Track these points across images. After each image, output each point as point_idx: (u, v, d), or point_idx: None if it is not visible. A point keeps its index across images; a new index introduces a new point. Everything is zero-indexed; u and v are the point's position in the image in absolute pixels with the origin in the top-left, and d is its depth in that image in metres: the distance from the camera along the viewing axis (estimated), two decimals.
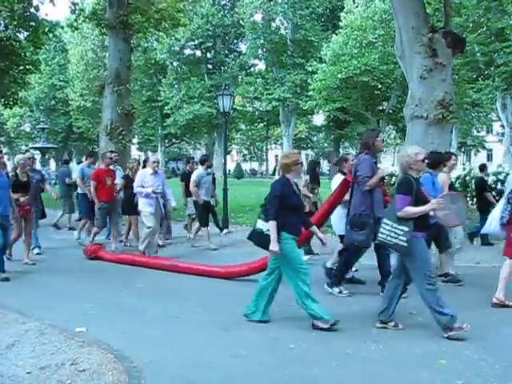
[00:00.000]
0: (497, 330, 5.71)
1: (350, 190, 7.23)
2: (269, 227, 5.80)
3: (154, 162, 10.21)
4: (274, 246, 5.73)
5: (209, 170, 11.94)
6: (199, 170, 11.63)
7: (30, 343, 5.29)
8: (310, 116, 53.60)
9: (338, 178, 8.06)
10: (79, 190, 12.09)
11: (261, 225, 6.03)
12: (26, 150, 55.29)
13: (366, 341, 5.35)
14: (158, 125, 53.07)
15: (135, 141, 55.01)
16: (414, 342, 5.31)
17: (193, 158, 14.30)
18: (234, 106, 41.40)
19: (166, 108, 48.17)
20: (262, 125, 59.10)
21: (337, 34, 37.26)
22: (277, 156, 69.86)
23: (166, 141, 57.32)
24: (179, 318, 6.17)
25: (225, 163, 17.46)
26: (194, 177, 11.30)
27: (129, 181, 10.92)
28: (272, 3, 42.09)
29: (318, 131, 59.36)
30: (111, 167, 11.44)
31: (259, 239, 6.03)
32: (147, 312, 6.45)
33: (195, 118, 46.58)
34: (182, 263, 9.17)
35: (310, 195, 10.10)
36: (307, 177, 10.52)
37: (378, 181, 6.96)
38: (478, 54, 27.76)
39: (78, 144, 57.35)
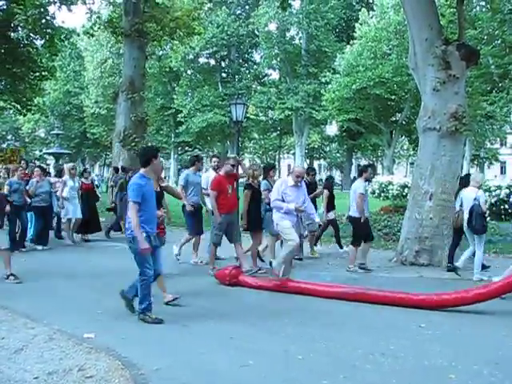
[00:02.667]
0: (507, 346, 5.65)
1: None
2: None
3: (298, 176, 8.22)
4: None
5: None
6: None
7: (38, 348, 5.31)
8: (323, 126, 53.58)
9: None
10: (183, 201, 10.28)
11: None
12: (41, 156, 56.07)
13: (374, 353, 5.31)
14: (171, 132, 53.28)
15: None
16: (424, 356, 5.26)
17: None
18: (247, 115, 41.49)
19: (179, 116, 48.36)
20: (274, 134, 59.11)
21: (351, 45, 37.29)
22: (289, 165, 69.91)
23: (179, 148, 57.51)
24: (188, 326, 6.16)
25: (237, 172, 17.43)
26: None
27: (254, 191, 9.73)
28: (287, 13, 42.16)
29: (330, 141, 59.34)
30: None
31: None
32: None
33: (208, 126, 46.72)
34: (373, 291, 7.56)
35: None
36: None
37: None
38: (493, 67, 27.67)
39: (91, 150, 57.67)
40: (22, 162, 13.40)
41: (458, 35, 11.44)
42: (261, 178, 9.90)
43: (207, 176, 10.73)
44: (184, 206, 10.22)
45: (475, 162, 56.58)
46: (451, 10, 22.16)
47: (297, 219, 8.20)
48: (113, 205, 14.74)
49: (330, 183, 12.62)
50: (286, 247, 8.12)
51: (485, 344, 5.66)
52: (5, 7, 19.22)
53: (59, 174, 14.18)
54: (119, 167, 15.65)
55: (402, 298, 7.18)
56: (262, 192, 9.78)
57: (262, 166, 11.03)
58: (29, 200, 11.73)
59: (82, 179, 14.09)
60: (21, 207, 11.33)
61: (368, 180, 10.57)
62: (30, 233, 12.49)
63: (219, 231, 9.19)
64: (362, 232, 9.92)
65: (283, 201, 8.05)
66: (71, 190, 12.92)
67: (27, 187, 11.90)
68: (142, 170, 6.50)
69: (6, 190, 10.92)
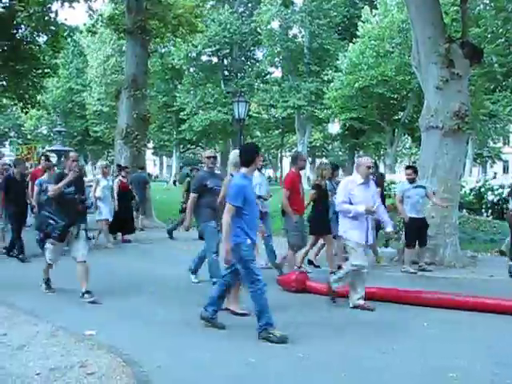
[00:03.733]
0: (510, 344, 5.64)
1: None
2: None
3: (369, 167, 7.16)
4: None
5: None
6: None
7: (40, 345, 5.32)
8: (325, 124, 53.52)
9: None
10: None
11: None
12: (43, 153, 55.92)
13: (377, 353, 5.31)
14: (173, 130, 53.29)
15: (150, 145, 55.30)
16: (426, 354, 5.25)
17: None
18: (250, 113, 41.47)
19: (181, 113, 48.36)
20: (277, 132, 59.06)
21: (354, 43, 37.23)
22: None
23: (181, 146, 57.53)
24: (189, 324, 6.16)
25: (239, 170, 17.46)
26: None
27: (320, 192, 9.27)
28: (289, 11, 42.13)
29: (333, 140, 59.24)
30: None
31: None
32: (158, 317, 6.45)
33: (211, 124, 46.69)
34: (481, 298, 7.00)
35: None
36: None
37: None
38: (496, 65, 27.59)
39: (93, 148, 57.71)
40: (42, 158, 12.59)
41: (462, 33, 11.41)
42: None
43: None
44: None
45: (478, 161, 56.59)
46: (455, 8, 22.13)
47: (367, 224, 7.07)
48: (184, 205, 13.71)
49: (382, 181, 11.82)
50: (348, 266, 7.09)
51: (487, 343, 5.65)
52: (7, 5, 19.20)
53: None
54: (121, 165, 15.47)
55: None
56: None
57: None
58: None
59: (121, 177, 13.50)
60: None
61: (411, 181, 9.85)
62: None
63: (297, 231, 8.67)
64: (412, 233, 9.69)
65: (350, 203, 6.99)
66: (105, 189, 12.28)
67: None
68: (243, 170, 5.94)
69: (35, 190, 10.76)
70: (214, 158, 8.51)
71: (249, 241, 5.71)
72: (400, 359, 5.13)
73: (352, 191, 6.96)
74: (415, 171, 9.99)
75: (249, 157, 5.93)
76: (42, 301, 7.18)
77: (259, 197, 8.57)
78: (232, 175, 6.96)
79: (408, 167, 10.53)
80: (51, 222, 7.08)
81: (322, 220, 9.11)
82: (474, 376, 4.74)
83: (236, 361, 5.01)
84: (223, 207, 6.03)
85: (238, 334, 5.81)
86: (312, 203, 9.35)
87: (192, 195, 8.06)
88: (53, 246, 7.28)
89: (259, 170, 9.53)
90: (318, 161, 73.46)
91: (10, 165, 14.56)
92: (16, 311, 6.55)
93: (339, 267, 8.21)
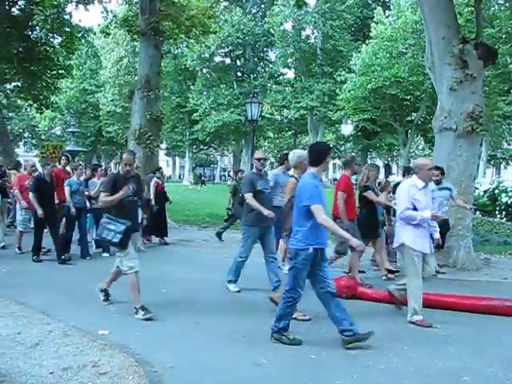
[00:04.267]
0: None
1: None
2: None
3: (430, 169, 6.71)
4: None
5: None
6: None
7: (53, 344, 5.36)
8: (337, 125, 53.45)
9: None
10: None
11: None
12: (63, 153, 56.15)
13: (388, 353, 5.29)
14: (186, 131, 53.45)
15: (163, 146, 55.50)
16: (438, 357, 5.23)
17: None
18: (263, 114, 41.49)
19: (194, 114, 48.48)
20: (289, 133, 59.07)
21: (367, 44, 37.14)
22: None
23: (194, 147, 57.70)
24: (201, 325, 6.17)
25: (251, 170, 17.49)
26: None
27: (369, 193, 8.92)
28: (302, 12, 42.11)
29: (345, 141, 59.15)
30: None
31: None
32: (170, 317, 6.46)
33: (223, 125, 46.80)
34: None
35: None
36: None
37: None
38: (511, 66, 27.39)
39: (106, 148, 58.02)
40: (63, 157, 12.30)
41: (476, 34, 11.33)
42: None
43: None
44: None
45: (492, 163, 56.15)
46: (469, 8, 21.99)
47: (427, 232, 6.53)
48: (230, 212, 13.67)
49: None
50: (411, 280, 6.41)
51: (500, 346, 5.61)
52: (23, 7, 19.41)
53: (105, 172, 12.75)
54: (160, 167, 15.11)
55: None
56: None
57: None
58: (88, 204, 11.01)
59: (156, 178, 13.08)
60: (81, 210, 10.72)
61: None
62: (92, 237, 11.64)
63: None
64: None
65: (414, 209, 6.43)
66: None
67: (89, 188, 11.12)
68: (312, 169, 5.57)
69: (66, 190, 10.49)
70: (264, 159, 8.23)
71: (311, 249, 5.36)
72: (410, 361, 5.11)
73: (415, 196, 6.44)
74: (442, 172, 9.69)
75: (318, 156, 5.63)
76: (55, 300, 7.21)
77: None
78: (293, 176, 6.78)
79: (436, 168, 10.20)
80: (111, 227, 6.47)
81: (371, 224, 8.83)
82: (488, 379, 4.71)
83: (247, 362, 5.02)
84: (290, 209, 5.89)
85: (248, 335, 5.82)
86: (360, 206, 9.03)
87: (247, 195, 7.68)
88: (124, 253, 6.55)
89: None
90: (330, 162, 73.44)
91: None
92: (30, 310, 6.60)
93: (390, 272, 8.10)
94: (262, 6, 51.00)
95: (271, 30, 46.16)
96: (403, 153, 40.91)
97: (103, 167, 13.04)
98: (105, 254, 10.80)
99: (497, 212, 18.17)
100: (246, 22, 46.54)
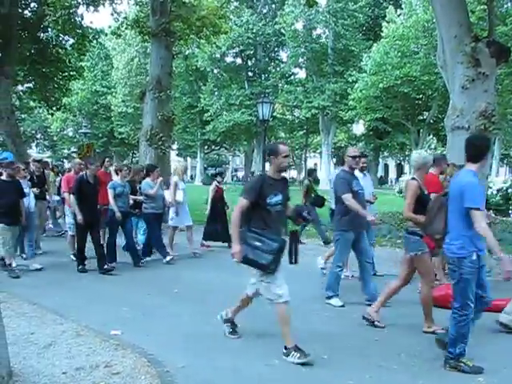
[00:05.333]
0: None
1: None
2: None
3: None
4: None
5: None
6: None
7: (66, 344, 5.39)
8: (349, 125, 53.32)
9: None
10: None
11: None
12: (69, 154, 56.76)
13: (401, 353, 5.26)
14: (197, 131, 53.54)
15: (175, 147, 55.63)
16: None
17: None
18: (274, 114, 41.49)
19: (205, 115, 48.56)
20: (301, 133, 58.99)
21: (378, 44, 37.00)
22: (316, 164, 69.62)
23: (206, 147, 57.80)
24: (213, 325, 6.16)
25: (263, 171, 17.48)
26: None
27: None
28: (313, 12, 42.00)
29: (357, 140, 58.97)
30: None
31: None
32: (182, 317, 6.48)
33: (235, 125, 46.81)
34: None
35: None
36: None
37: None
38: None
39: (118, 149, 58.25)
40: (107, 159, 11.77)
41: (488, 32, 11.23)
42: None
43: None
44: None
45: (505, 161, 55.78)
46: (481, 6, 21.84)
47: None
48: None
49: None
50: None
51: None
52: (35, 9, 19.52)
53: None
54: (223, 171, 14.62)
55: None
56: None
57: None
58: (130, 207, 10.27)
59: (216, 183, 12.52)
60: (125, 214, 9.97)
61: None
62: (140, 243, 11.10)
63: None
64: None
65: None
66: (183, 192, 11.24)
67: (144, 190, 10.44)
68: (472, 166, 4.98)
69: (109, 193, 9.74)
70: (360, 157, 7.59)
71: (475, 255, 4.82)
72: (424, 361, 5.08)
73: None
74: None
75: (479, 151, 5.03)
76: (68, 300, 7.25)
77: (367, 201, 8.14)
78: (414, 179, 6.19)
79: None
80: (258, 244, 5.12)
81: None
82: (502, 380, 4.67)
83: (259, 362, 5.01)
84: (439, 209, 5.30)
85: (262, 335, 5.81)
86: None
87: (346, 196, 7.05)
88: (272, 278, 5.16)
89: (361, 170, 8.76)
90: None
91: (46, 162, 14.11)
92: (42, 310, 6.64)
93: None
94: (273, 5, 50.92)
95: (282, 29, 46.08)
96: None
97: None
98: (147, 259, 10.35)
99: (510, 211, 18.05)
100: (257, 21, 46.51)
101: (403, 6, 37.93)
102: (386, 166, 77.71)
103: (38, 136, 62.06)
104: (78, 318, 6.32)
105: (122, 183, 10.03)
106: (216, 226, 12.13)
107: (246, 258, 5.10)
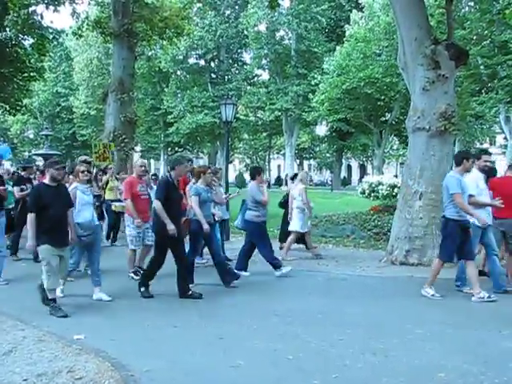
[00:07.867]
0: (496, 344, 5.66)
1: None
2: None
3: None
4: None
5: None
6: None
7: (27, 350, 5.27)
8: (312, 126, 53.70)
9: None
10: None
11: None
12: (29, 156, 55.74)
13: (365, 352, 5.31)
14: (161, 133, 53.17)
15: (138, 149, 55.13)
16: (414, 354, 5.26)
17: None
18: (237, 116, 41.48)
19: (169, 117, 48.28)
20: (264, 134, 59.15)
21: (341, 46, 37.39)
22: (279, 166, 70.03)
23: (169, 149, 57.47)
24: (178, 327, 6.13)
25: (226, 172, 17.40)
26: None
27: None
28: (276, 14, 42.20)
29: (320, 142, 59.48)
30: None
31: None
32: (146, 320, 6.41)
33: (198, 127, 46.66)
34: None
35: None
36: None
37: None
38: (482, 67, 27.86)
39: (81, 152, 57.48)
40: (143, 160, 10.65)
41: (447, 35, 11.49)
42: None
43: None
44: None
45: None
46: (440, 10, 22.29)
47: None
48: None
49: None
50: None
51: (474, 343, 5.67)
52: None
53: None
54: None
55: None
56: None
57: None
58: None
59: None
60: (211, 225, 8.43)
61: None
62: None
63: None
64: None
65: None
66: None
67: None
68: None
69: (193, 200, 8.25)
70: None
71: None
72: (387, 358, 5.14)
73: None
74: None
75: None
76: (29, 305, 7.10)
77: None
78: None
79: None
80: None
81: None
82: (463, 376, 4.75)
83: (225, 364, 4.99)
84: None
85: (226, 337, 5.79)
86: None
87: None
88: None
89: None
90: (305, 163, 73.82)
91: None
92: (2, 316, 6.48)
93: None
94: (236, 7, 50.98)
95: (245, 31, 46.19)
96: (378, 153, 41.29)
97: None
98: (244, 273, 9.06)
99: None
100: (220, 23, 46.44)
101: (364, 9, 38.44)
102: (349, 167, 78.48)
103: None
104: (39, 323, 6.19)
105: (206, 188, 8.51)
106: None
107: None
